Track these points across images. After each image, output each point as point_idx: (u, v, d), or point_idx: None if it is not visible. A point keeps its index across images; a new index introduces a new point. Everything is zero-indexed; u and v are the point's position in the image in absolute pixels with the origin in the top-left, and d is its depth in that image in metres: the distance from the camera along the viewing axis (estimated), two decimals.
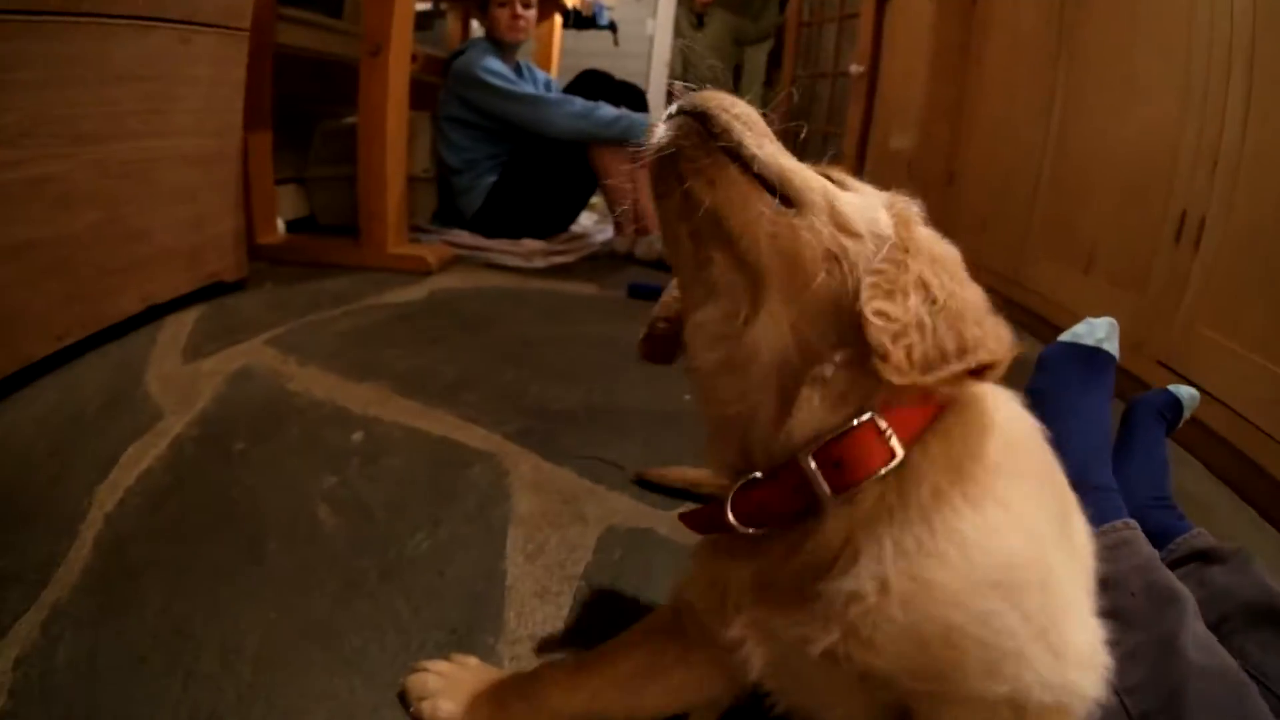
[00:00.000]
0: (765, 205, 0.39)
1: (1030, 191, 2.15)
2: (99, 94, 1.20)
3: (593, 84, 2.50)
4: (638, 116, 2.34)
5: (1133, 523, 0.78)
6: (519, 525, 0.86)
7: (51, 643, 0.68)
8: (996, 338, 0.39)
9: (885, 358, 0.36)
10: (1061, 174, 2.04)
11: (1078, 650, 0.40)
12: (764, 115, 0.44)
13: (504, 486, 0.94)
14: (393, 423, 1.10)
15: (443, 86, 2.42)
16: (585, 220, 2.91)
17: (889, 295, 0.38)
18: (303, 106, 2.41)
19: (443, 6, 3.12)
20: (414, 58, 1.97)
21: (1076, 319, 1.81)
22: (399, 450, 1.03)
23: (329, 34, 2.17)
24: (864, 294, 0.38)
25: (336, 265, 2.03)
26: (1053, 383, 0.96)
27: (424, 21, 3.20)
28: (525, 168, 2.40)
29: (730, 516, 0.41)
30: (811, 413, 0.39)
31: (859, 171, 3.38)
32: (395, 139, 1.90)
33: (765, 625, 0.42)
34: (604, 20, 3.19)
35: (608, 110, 2.31)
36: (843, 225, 0.41)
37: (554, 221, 2.58)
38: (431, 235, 2.40)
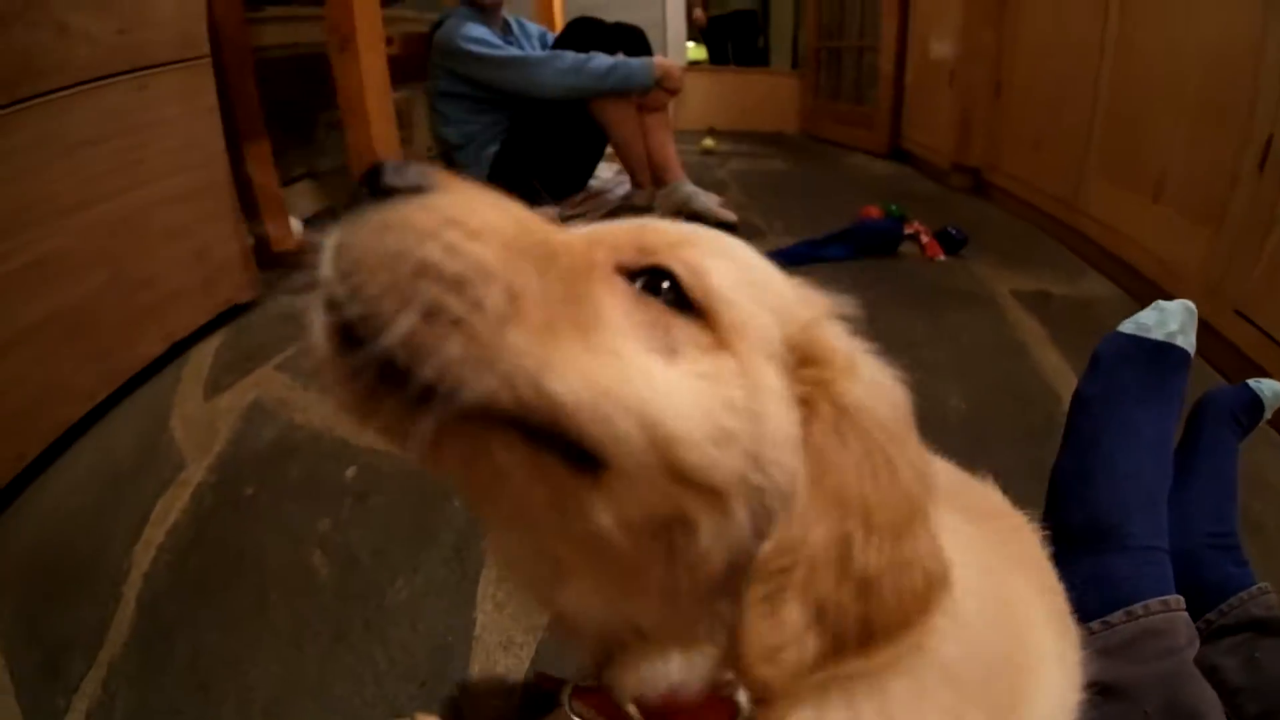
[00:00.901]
0: (535, 477, 0.27)
1: (1088, 105, 1.98)
2: (69, 166, 1.29)
3: (584, 33, 2.42)
4: (635, 62, 2.27)
5: (1174, 601, 0.66)
6: (492, 567, 0.94)
7: (111, 698, 0.84)
8: (926, 583, 0.31)
9: (765, 693, 0.30)
10: (1123, 86, 1.87)
11: None
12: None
13: (481, 524, 1.02)
14: (383, 452, 1.19)
15: (429, 61, 2.41)
16: (605, 172, 2.87)
17: (776, 611, 0.29)
18: (307, 101, 2.46)
19: None
20: (389, 40, 1.97)
21: (1142, 251, 1.76)
22: (388, 485, 1.13)
23: (314, 25, 2.17)
24: (746, 616, 0.29)
25: None
26: (1106, 388, 0.81)
27: None
28: (526, 133, 2.39)
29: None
30: (634, 668, 0.34)
31: (898, 87, 3.17)
32: (381, 129, 1.94)
33: None
34: None
35: (601, 60, 2.25)
36: (688, 477, 0.27)
37: (567, 183, 2.58)
38: None
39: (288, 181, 2.31)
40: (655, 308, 0.30)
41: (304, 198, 2.56)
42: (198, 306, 1.64)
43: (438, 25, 2.38)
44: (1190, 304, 0.86)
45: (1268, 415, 0.89)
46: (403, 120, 2.16)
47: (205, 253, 1.65)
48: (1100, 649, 0.59)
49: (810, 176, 3.12)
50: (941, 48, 2.81)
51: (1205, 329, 1.39)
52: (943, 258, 1.99)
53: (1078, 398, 0.84)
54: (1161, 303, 0.86)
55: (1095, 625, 0.64)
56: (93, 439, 1.33)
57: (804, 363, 0.31)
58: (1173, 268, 1.61)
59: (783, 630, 0.29)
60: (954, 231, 2.01)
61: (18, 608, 0.99)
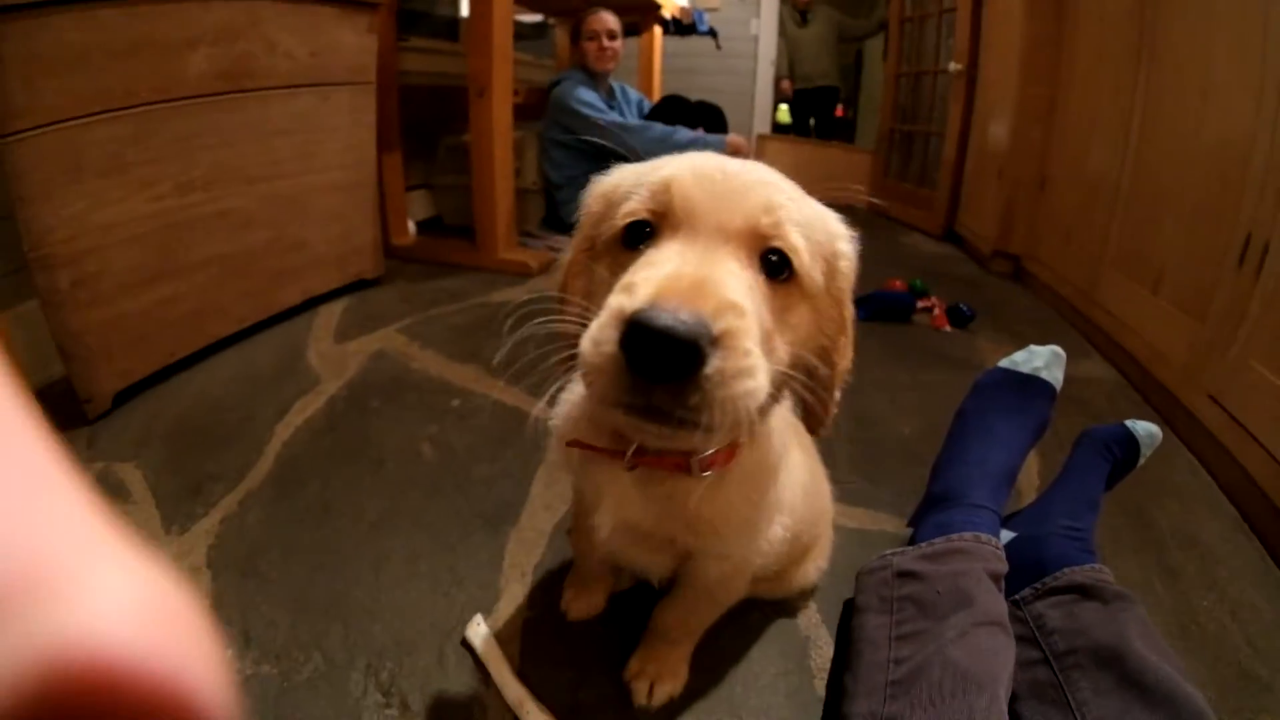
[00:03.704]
0: None
1: (1110, 201, 2.08)
2: (263, 146, 1.73)
3: (673, 109, 2.94)
4: (712, 138, 2.74)
5: (986, 538, 0.83)
6: (545, 467, 1.28)
7: (244, 511, 1.16)
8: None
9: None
10: (1139, 184, 1.96)
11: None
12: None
13: (543, 441, 1.36)
14: (482, 395, 1.55)
15: (545, 112, 2.89)
16: None
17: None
18: (430, 125, 2.96)
19: (551, 21, 3.59)
20: (516, 92, 2.41)
21: (1138, 339, 1.92)
22: (482, 413, 1.47)
23: (447, 58, 2.65)
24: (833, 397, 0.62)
25: (456, 264, 2.54)
26: (977, 406, 1.03)
27: (538, 31, 3.70)
28: None
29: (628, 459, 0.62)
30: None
31: (958, 173, 3.46)
32: (502, 162, 2.35)
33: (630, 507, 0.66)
34: (704, 27, 3.54)
35: (684, 134, 2.71)
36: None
37: None
38: (538, 240, 2.88)
39: (408, 188, 2.78)
40: None
41: (419, 203, 3.06)
42: (334, 274, 2.07)
43: (556, 83, 2.87)
44: (1058, 349, 1.05)
45: (1146, 453, 1.03)
46: (515, 156, 2.58)
47: (348, 234, 2.08)
48: (918, 555, 0.84)
49: (861, 251, 3.35)
50: (994, 141, 2.96)
51: (1182, 412, 1.56)
52: (948, 329, 2.16)
53: (957, 412, 1.07)
54: (1033, 346, 1.07)
55: (923, 545, 0.86)
56: (236, 354, 1.72)
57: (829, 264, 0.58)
58: (1162, 354, 1.70)
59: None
60: (964, 308, 2.18)
61: (164, 452, 1.30)
